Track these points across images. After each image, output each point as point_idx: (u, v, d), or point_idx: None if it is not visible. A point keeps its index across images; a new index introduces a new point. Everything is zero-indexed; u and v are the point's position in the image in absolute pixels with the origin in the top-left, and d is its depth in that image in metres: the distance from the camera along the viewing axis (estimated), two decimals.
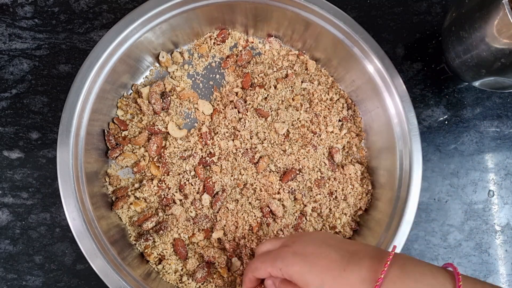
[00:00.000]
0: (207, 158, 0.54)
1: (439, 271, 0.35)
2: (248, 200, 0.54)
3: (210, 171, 0.54)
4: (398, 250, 0.48)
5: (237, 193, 0.54)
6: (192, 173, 0.54)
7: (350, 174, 0.55)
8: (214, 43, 0.58)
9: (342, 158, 0.56)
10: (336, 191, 0.55)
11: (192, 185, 0.53)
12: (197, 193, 0.54)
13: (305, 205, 0.54)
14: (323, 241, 0.39)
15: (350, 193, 0.55)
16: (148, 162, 0.54)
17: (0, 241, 0.54)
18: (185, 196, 0.53)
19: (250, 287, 0.43)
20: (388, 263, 0.34)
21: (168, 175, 0.53)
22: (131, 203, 0.52)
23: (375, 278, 0.34)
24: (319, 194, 0.55)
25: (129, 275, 0.46)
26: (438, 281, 0.34)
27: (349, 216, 0.54)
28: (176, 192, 0.53)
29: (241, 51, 0.58)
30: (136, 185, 0.53)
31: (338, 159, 0.56)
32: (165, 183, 0.53)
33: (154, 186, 0.53)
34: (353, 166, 0.55)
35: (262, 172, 0.54)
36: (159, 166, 0.53)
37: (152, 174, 0.53)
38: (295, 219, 0.54)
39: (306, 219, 0.54)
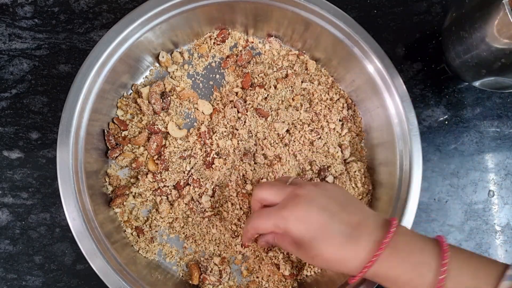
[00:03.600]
0: (206, 157, 0.54)
1: (428, 248, 0.37)
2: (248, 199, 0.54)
3: (210, 170, 0.54)
4: None
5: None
6: (192, 172, 0.54)
7: (355, 172, 0.55)
8: (214, 43, 0.58)
9: (349, 155, 0.56)
10: None
11: (190, 185, 0.53)
12: (197, 193, 0.54)
13: None
14: (325, 208, 0.40)
15: (351, 193, 0.55)
16: (146, 158, 0.54)
17: (0, 241, 0.54)
18: (181, 196, 0.53)
19: (251, 239, 0.47)
20: (383, 246, 0.36)
21: (167, 170, 0.53)
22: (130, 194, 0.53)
23: (368, 258, 0.37)
24: None
25: (129, 275, 0.46)
26: (424, 259, 0.37)
27: None
28: (173, 189, 0.53)
29: (241, 51, 0.58)
30: (132, 180, 0.53)
31: (346, 155, 0.56)
32: (161, 175, 0.53)
33: (149, 180, 0.53)
34: (356, 164, 0.55)
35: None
36: (157, 164, 0.53)
37: (149, 170, 0.53)
38: None
39: None
